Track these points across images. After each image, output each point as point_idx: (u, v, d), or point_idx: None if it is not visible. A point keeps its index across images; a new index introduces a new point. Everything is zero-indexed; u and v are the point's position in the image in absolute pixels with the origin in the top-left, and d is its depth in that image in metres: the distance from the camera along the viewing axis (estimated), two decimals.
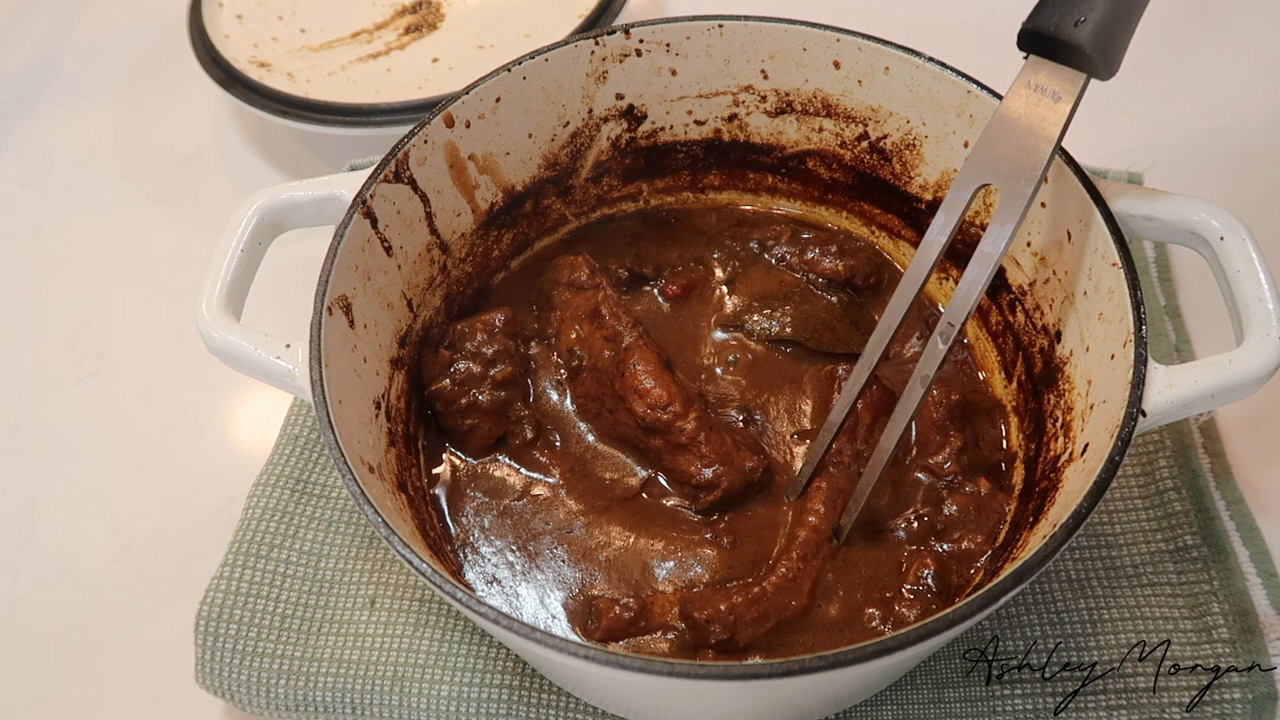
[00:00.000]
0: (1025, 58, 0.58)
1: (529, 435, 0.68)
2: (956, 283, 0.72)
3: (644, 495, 0.66)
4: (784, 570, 0.60)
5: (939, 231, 0.60)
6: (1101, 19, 0.55)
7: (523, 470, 0.67)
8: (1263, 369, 0.54)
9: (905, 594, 0.61)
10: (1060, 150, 0.62)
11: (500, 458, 0.68)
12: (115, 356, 0.84)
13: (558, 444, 0.68)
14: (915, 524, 0.64)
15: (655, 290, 0.75)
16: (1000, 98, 0.64)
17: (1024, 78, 0.58)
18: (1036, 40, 0.57)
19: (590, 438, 0.68)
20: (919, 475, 0.66)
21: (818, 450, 0.64)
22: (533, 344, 0.71)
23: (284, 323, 0.60)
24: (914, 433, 0.67)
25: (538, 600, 0.62)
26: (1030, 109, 0.57)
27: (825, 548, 0.62)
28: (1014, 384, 0.69)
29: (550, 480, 0.67)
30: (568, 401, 0.70)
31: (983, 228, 0.69)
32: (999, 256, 0.57)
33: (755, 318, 0.73)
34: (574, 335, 0.69)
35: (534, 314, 0.73)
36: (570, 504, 0.66)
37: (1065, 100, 0.57)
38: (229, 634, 0.64)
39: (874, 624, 0.60)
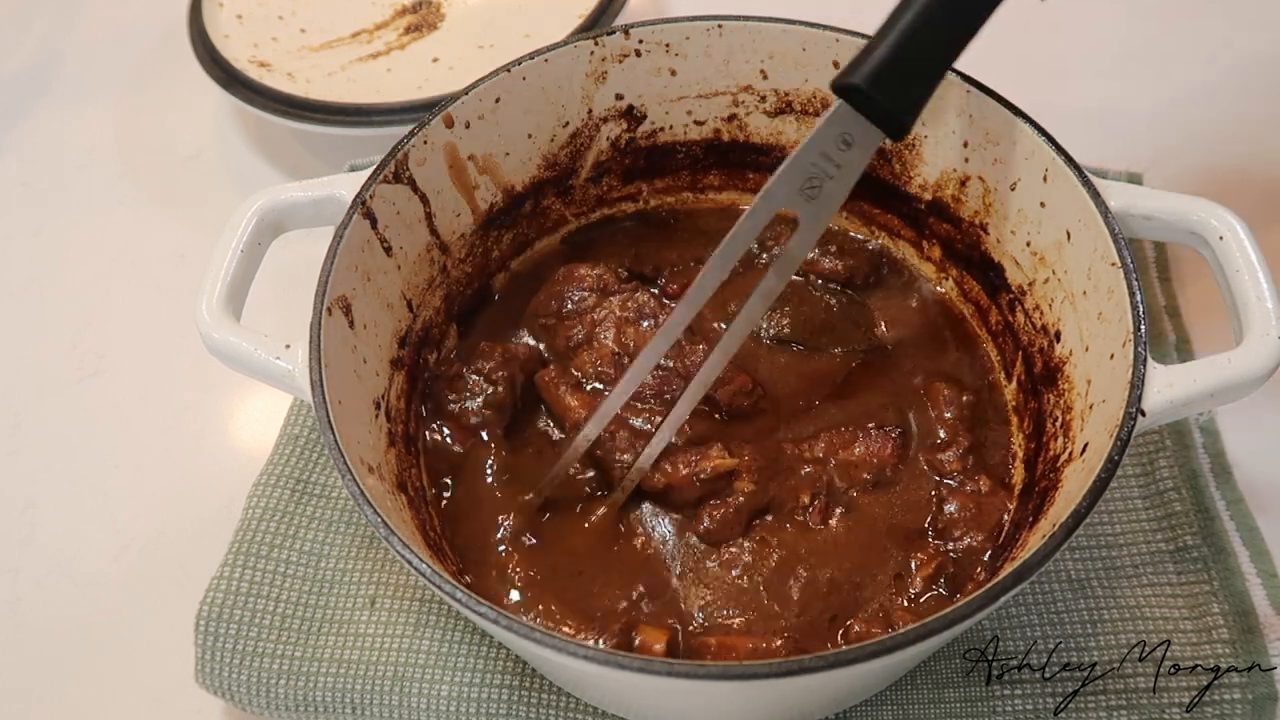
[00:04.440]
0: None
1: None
2: (955, 281, 0.73)
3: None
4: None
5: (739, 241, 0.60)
6: (880, 63, 0.57)
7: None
8: (1262, 369, 0.54)
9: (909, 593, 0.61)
10: (1060, 150, 0.62)
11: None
12: (115, 356, 0.84)
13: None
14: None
15: (656, 289, 0.75)
16: (1000, 98, 0.64)
17: (834, 119, 0.59)
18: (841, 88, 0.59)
19: None
20: (924, 469, 0.66)
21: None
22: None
23: (284, 323, 0.60)
24: (922, 423, 0.68)
25: None
26: (827, 148, 0.59)
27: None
28: (1013, 383, 0.69)
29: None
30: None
31: (984, 228, 0.69)
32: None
33: None
34: (616, 338, 0.69)
35: (541, 326, 0.72)
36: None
37: (855, 149, 0.59)
38: (229, 634, 0.64)
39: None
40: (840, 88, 0.59)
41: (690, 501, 0.64)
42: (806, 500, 0.64)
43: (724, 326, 0.72)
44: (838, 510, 0.65)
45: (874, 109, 0.58)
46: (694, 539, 0.64)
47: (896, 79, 0.58)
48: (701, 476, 0.64)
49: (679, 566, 0.63)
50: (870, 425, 0.67)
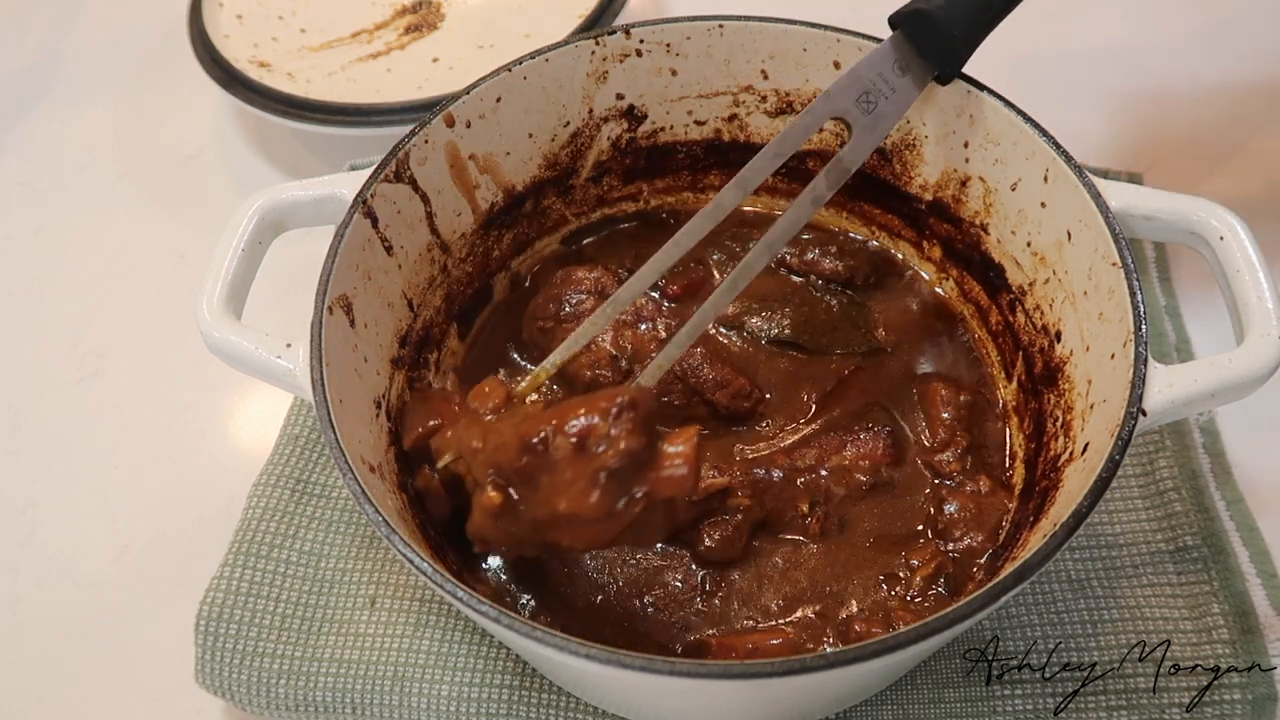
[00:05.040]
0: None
1: None
2: (956, 281, 0.73)
3: None
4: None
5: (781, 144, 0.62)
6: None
7: None
8: (1263, 369, 0.54)
9: (909, 593, 0.61)
10: (1061, 150, 0.62)
11: None
12: (115, 356, 0.84)
13: None
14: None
15: (655, 291, 0.75)
16: (1001, 98, 0.65)
17: (889, 47, 0.64)
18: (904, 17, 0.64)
19: None
20: (922, 469, 0.66)
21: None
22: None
23: (284, 322, 0.60)
24: (920, 424, 0.68)
25: None
26: (883, 69, 0.64)
27: None
28: (1014, 383, 0.69)
29: None
30: None
31: (984, 228, 0.69)
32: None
33: (755, 319, 0.73)
34: (614, 341, 0.69)
35: (539, 328, 0.72)
36: None
37: (910, 76, 0.64)
38: (229, 634, 0.64)
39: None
40: (904, 15, 0.63)
41: (686, 523, 0.64)
42: (805, 509, 0.64)
43: (724, 330, 0.72)
44: (837, 517, 0.65)
45: (929, 42, 0.62)
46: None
47: (963, 10, 0.62)
48: (694, 497, 0.63)
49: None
50: (857, 427, 0.67)
